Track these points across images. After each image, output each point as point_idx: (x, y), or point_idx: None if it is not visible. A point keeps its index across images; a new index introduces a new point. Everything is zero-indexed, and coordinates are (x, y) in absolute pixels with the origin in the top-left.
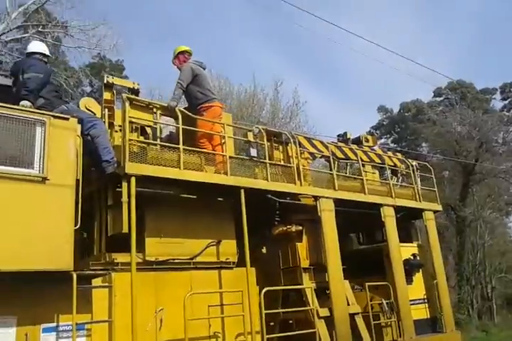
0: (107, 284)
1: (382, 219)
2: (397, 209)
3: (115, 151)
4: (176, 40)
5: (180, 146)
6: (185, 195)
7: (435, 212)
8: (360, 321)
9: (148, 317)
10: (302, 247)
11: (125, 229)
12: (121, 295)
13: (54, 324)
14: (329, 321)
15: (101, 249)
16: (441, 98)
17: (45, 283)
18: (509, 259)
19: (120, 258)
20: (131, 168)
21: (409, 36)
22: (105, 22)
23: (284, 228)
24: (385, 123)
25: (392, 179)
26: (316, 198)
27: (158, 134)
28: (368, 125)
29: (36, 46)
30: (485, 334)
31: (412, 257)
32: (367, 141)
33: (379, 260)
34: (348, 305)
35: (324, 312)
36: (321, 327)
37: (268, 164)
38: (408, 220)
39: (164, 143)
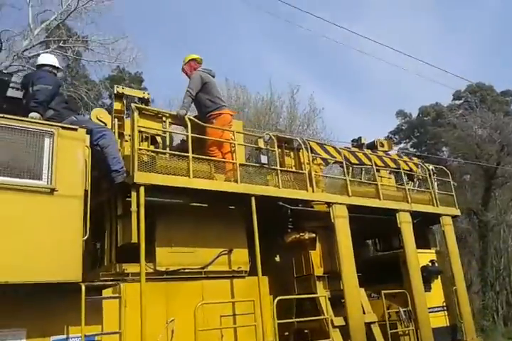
0: (115, 295)
1: (398, 225)
2: (414, 215)
3: (125, 161)
4: (193, 50)
5: (190, 154)
6: (196, 204)
7: (453, 217)
8: (376, 330)
9: (159, 327)
10: (316, 255)
11: (134, 239)
12: (131, 306)
13: (64, 336)
14: (344, 330)
15: (111, 260)
16: (461, 101)
17: (54, 295)
18: None
19: (130, 268)
20: (140, 177)
21: (426, 39)
22: (125, 36)
23: (297, 235)
24: (403, 127)
25: (408, 184)
26: (329, 204)
27: (168, 143)
28: (387, 130)
29: (46, 58)
30: None
31: (430, 264)
32: (382, 145)
33: (396, 267)
34: (364, 313)
35: (339, 321)
36: (335, 337)
37: (279, 171)
38: (426, 226)
39: (173, 152)
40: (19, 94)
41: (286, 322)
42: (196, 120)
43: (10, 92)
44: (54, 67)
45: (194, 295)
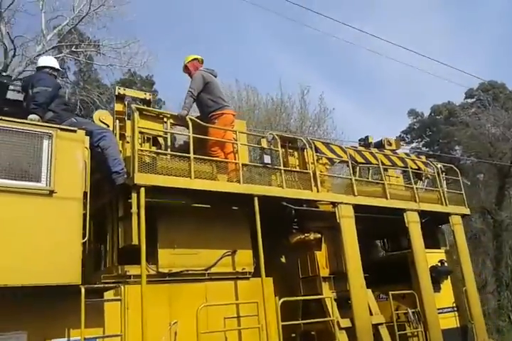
0: (117, 297)
1: (406, 225)
2: (422, 214)
3: (126, 162)
4: (203, 52)
5: (191, 155)
6: (199, 205)
7: (463, 216)
8: (384, 332)
9: (162, 330)
10: (321, 255)
11: (135, 241)
12: (134, 308)
13: (65, 339)
14: (351, 332)
15: (113, 262)
16: (473, 99)
17: (55, 298)
18: None
19: (132, 270)
20: (140, 178)
21: (438, 38)
22: (136, 40)
23: (302, 236)
24: (415, 127)
25: (417, 183)
26: (334, 204)
27: (169, 144)
28: (399, 129)
29: (46, 60)
30: None
31: (439, 264)
32: (389, 144)
33: (405, 267)
34: (372, 314)
35: (345, 322)
36: (342, 339)
37: (283, 171)
38: (435, 225)
39: (174, 153)
40: (20, 97)
41: (291, 323)
42: (198, 120)
43: (11, 95)
44: (54, 69)
45: (197, 297)
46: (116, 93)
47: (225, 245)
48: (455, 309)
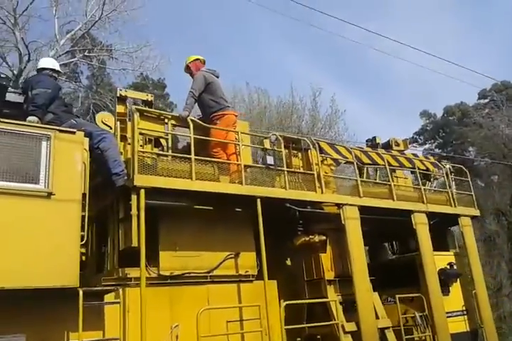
0: (116, 300)
1: (414, 227)
2: (431, 216)
3: (127, 164)
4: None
5: (192, 156)
6: (201, 207)
7: (473, 217)
8: (390, 336)
9: (163, 333)
10: (326, 258)
11: (134, 243)
12: (134, 311)
13: None
14: (357, 336)
15: (114, 264)
16: (487, 100)
17: (54, 300)
18: None
19: (133, 273)
20: (140, 180)
21: (450, 38)
22: (148, 44)
23: (307, 238)
24: (428, 128)
25: (425, 184)
26: (339, 206)
27: (170, 145)
28: (411, 131)
29: (46, 62)
30: None
31: (448, 266)
32: (397, 144)
33: (413, 270)
34: (378, 318)
35: (351, 326)
36: None
37: (286, 172)
38: (444, 227)
39: (175, 154)
40: (21, 99)
41: (295, 327)
42: (199, 121)
43: (11, 97)
44: (54, 70)
45: (199, 300)
46: (118, 94)
47: (228, 247)
48: (465, 312)
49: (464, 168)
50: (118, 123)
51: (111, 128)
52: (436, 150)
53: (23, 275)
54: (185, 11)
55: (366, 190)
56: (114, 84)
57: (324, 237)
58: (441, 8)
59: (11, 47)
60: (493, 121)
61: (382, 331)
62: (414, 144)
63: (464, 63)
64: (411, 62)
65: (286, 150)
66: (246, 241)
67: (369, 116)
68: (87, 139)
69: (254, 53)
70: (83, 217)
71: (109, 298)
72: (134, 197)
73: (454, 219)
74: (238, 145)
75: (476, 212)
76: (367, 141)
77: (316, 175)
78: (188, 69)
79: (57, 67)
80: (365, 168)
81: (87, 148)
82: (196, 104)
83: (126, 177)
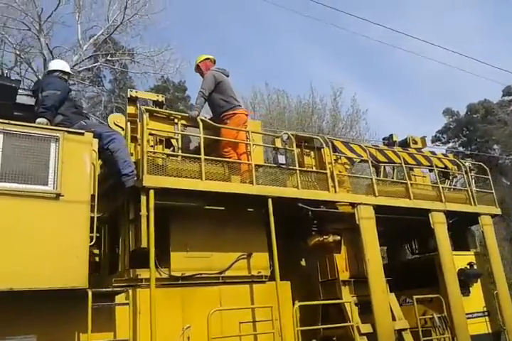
0: (125, 301)
1: (432, 226)
2: (450, 215)
3: (137, 164)
4: (233, 56)
5: (202, 156)
6: (212, 207)
7: (494, 216)
8: (408, 338)
9: (174, 334)
10: (341, 258)
11: (144, 244)
12: (145, 312)
13: None
14: (372, 338)
15: (125, 265)
16: (511, 97)
17: (64, 302)
18: None
19: (144, 274)
20: (149, 180)
21: (473, 35)
22: (169, 48)
23: (321, 238)
24: (451, 126)
25: (444, 182)
26: (353, 205)
27: (180, 145)
28: (434, 129)
29: (56, 64)
30: None
31: (468, 266)
32: (415, 142)
33: (432, 271)
34: (395, 320)
35: (366, 328)
36: None
37: (298, 171)
38: (464, 226)
39: (184, 154)
40: (32, 101)
41: (309, 329)
42: (209, 121)
43: (23, 99)
44: (64, 72)
45: (211, 301)
46: (129, 95)
47: (240, 248)
48: (486, 314)
49: (484, 166)
50: (128, 124)
51: (123, 130)
52: (460, 149)
53: (32, 277)
54: (205, 12)
55: (382, 188)
56: (136, 87)
57: (339, 237)
58: (464, 5)
59: (36, 53)
60: None
61: (399, 333)
62: (437, 143)
63: (487, 60)
64: (434, 60)
65: (299, 150)
66: (258, 242)
67: (391, 116)
68: (96, 140)
69: (273, 54)
70: (92, 218)
71: (120, 298)
72: (143, 198)
73: (474, 217)
74: (249, 144)
75: (497, 211)
76: (383, 139)
77: (329, 174)
78: (198, 69)
79: (68, 69)
80: (383, 167)
81: (96, 149)
82: (207, 103)
83: (135, 178)
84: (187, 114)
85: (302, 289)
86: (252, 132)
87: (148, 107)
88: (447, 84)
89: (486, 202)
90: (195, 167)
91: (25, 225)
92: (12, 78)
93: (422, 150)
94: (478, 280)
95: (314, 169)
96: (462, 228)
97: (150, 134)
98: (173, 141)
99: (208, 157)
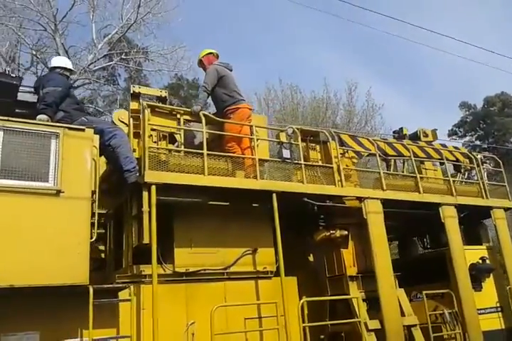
0: (127, 298)
1: (442, 220)
2: (461, 209)
3: (139, 160)
4: (247, 53)
5: (204, 151)
6: (216, 202)
7: (506, 209)
8: (417, 334)
9: (178, 330)
10: (348, 253)
11: (146, 240)
12: (149, 308)
13: (77, 339)
14: (381, 334)
15: (128, 261)
16: None
17: (67, 298)
18: None
19: (148, 270)
20: (151, 176)
21: (490, 27)
22: (182, 45)
23: (328, 233)
24: (468, 120)
25: (456, 175)
26: (360, 199)
27: (182, 140)
28: (450, 123)
29: (57, 61)
30: None
31: (480, 261)
32: (426, 135)
33: (443, 265)
34: (404, 316)
35: (374, 324)
36: None
37: (303, 165)
38: (477, 220)
39: (187, 149)
40: (34, 98)
41: (315, 325)
42: (211, 115)
43: (26, 97)
44: (66, 69)
45: (216, 297)
46: (132, 91)
47: (246, 243)
48: (499, 309)
49: (497, 158)
50: (131, 120)
51: (127, 126)
52: (477, 142)
53: (32, 273)
54: (217, 8)
55: (390, 182)
56: (150, 85)
57: (346, 232)
58: None
59: (52, 53)
60: None
61: (408, 329)
62: (454, 137)
63: (504, 52)
64: (450, 53)
65: (304, 144)
66: (264, 237)
67: (406, 110)
68: (96, 136)
69: (287, 49)
70: (94, 214)
71: (123, 295)
72: (145, 194)
73: (486, 211)
74: (253, 139)
75: (510, 204)
76: (394, 132)
77: (335, 168)
78: (201, 63)
79: (69, 66)
80: (393, 161)
81: (97, 145)
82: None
83: (137, 174)
84: (189, 109)
85: (310, 285)
86: (256, 126)
87: (149, 102)
88: (463, 77)
89: (499, 196)
90: (198, 162)
91: (25, 222)
92: (13, 75)
93: (433, 143)
94: (491, 275)
95: (320, 163)
96: (474, 222)
97: (152, 129)
98: (177, 137)
99: (210, 152)
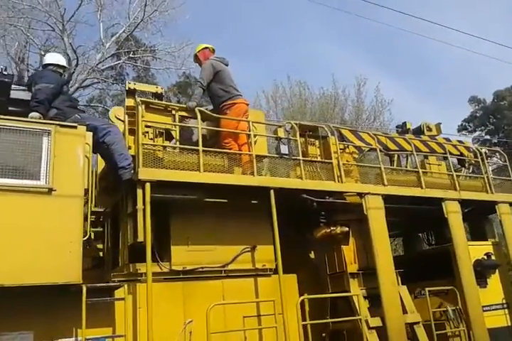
0: (121, 296)
1: (445, 215)
2: (465, 204)
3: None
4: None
5: (200, 148)
6: (213, 200)
7: None
8: (420, 331)
9: (175, 329)
10: (349, 250)
11: (140, 238)
12: (145, 307)
13: (72, 339)
14: (383, 332)
15: (124, 260)
16: None
17: (62, 297)
18: None
19: (144, 268)
20: (145, 173)
21: (498, 20)
22: (190, 43)
23: (328, 230)
24: (478, 114)
25: (461, 170)
26: (361, 195)
27: (177, 137)
28: (460, 118)
29: (50, 58)
30: None
31: (485, 257)
32: (429, 129)
33: (447, 262)
34: (407, 313)
35: (375, 321)
36: (371, 339)
37: (302, 161)
38: (482, 215)
39: (181, 146)
40: (28, 96)
41: (316, 323)
42: (207, 111)
43: (19, 94)
44: (59, 66)
45: (214, 295)
46: (127, 88)
47: (244, 241)
48: (505, 306)
49: (502, 152)
50: (127, 117)
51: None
52: (487, 137)
53: (24, 273)
54: (225, 4)
55: (392, 177)
56: (158, 84)
57: (347, 229)
58: None
59: (61, 53)
60: None
61: (411, 326)
62: (463, 132)
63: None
64: (459, 47)
65: (303, 139)
66: (263, 234)
67: (416, 105)
68: (89, 133)
69: (296, 46)
70: (87, 212)
71: (120, 293)
72: (139, 191)
73: (491, 206)
74: (251, 135)
75: None
76: (397, 127)
77: (335, 164)
78: (196, 58)
79: (62, 63)
80: (396, 156)
81: (90, 143)
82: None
83: (132, 171)
84: (185, 105)
85: (311, 282)
86: (253, 122)
87: (144, 99)
88: (473, 71)
89: (505, 190)
90: (194, 159)
91: (16, 220)
92: (4, 73)
93: (437, 137)
94: (496, 271)
95: (319, 159)
96: (480, 217)
97: (148, 126)
98: (174, 133)
99: (206, 148)
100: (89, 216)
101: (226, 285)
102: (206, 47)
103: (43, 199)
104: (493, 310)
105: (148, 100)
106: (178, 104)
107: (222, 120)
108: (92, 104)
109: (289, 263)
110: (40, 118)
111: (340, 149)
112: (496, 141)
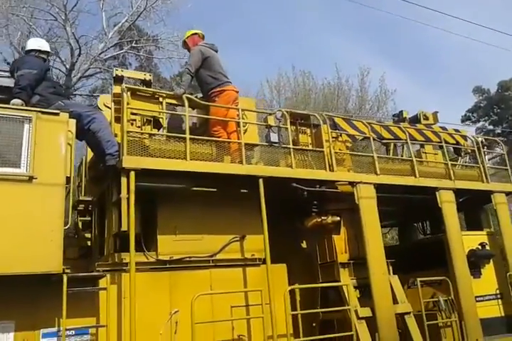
0: (103, 286)
1: (439, 205)
2: (460, 193)
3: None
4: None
5: (187, 136)
6: (201, 188)
7: (508, 193)
8: (411, 321)
9: (161, 319)
10: (340, 240)
11: (124, 227)
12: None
13: (54, 329)
14: (372, 322)
15: (109, 249)
16: None
17: (43, 287)
18: None
19: (129, 258)
20: (129, 161)
21: (502, 7)
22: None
23: (319, 219)
24: (482, 105)
25: (457, 159)
26: (352, 184)
27: (164, 125)
28: (464, 108)
29: (32, 43)
30: None
31: (479, 247)
32: (426, 118)
33: (441, 252)
34: (397, 303)
35: (365, 312)
36: (361, 330)
37: (292, 150)
38: (477, 205)
39: (167, 134)
40: (12, 83)
41: (304, 313)
42: (195, 99)
43: (4, 81)
44: (42, 51)
45: (202, 285)
46: (114, 75)
47: (233, 230)
48: (499, 296)
49: (498, 140)
50: (113, 104)
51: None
52: (491, 127)
53: (4, 262)
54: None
55: (386, 166)
56: (161, 73)
57: (338, 218)
58: None
59: (63, 43)
60: None
61: (401, 316)
62: (467, 122)
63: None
64: (464, 36)
65: (294, 127)
66: (253, 224)
67: (420, 95)
68: (72, 120)
69: (299, 35)
70: (74, 201)
71: (103, 283)
72: (123, 180)
73: (487, 196)
74: (240, 123)
75: None
76: (393, 115)
77: (327, 152)
78: (185, 45)
79: (45, 48)
80: (392, 145)
81: (73, 130)
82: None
83: (118, 158)
84: (172, 93)
85: (304, 272)
86: (243, 110)
87: (130, 85)
88: (477, 61)
89: (501, 179)
90: (181, 147)
91: None
92: None
93: (433, 126)
94: (491, 261)
95: (310, 147)
96: (475, 207)
97: (134, 114)
98: (162, 121)
99: (193, 136)
100: (71, 204)
101: (214, 275)
102: (195, 33)
103: (24, 187)
104: (486, 300)
105: (134, 87)
106: (165, 91)
107: (211, 108)
108: (94, 94)
109: (280, 253)
110: (22, 105)
111: (333, 138)
112: (499, 131)
